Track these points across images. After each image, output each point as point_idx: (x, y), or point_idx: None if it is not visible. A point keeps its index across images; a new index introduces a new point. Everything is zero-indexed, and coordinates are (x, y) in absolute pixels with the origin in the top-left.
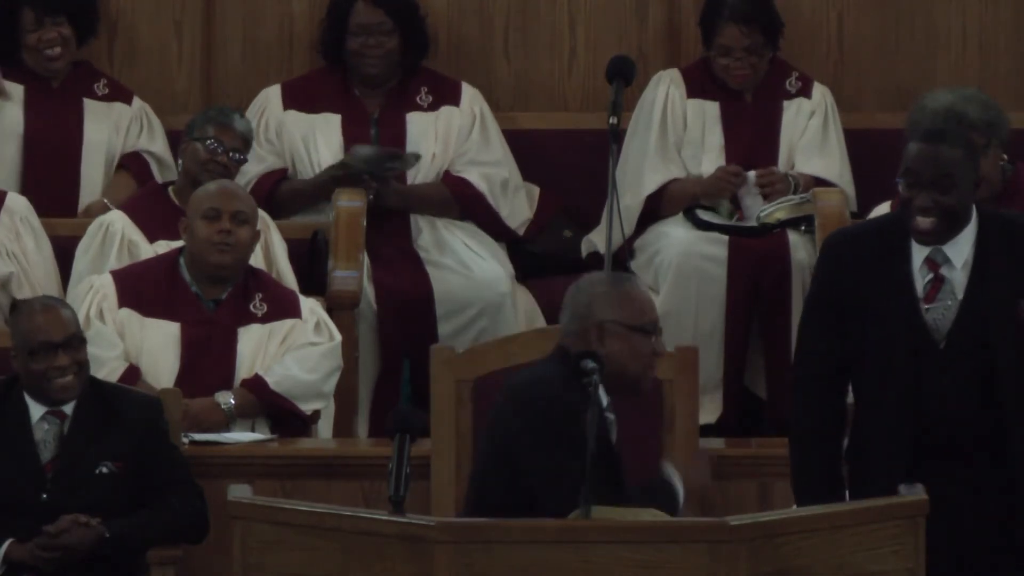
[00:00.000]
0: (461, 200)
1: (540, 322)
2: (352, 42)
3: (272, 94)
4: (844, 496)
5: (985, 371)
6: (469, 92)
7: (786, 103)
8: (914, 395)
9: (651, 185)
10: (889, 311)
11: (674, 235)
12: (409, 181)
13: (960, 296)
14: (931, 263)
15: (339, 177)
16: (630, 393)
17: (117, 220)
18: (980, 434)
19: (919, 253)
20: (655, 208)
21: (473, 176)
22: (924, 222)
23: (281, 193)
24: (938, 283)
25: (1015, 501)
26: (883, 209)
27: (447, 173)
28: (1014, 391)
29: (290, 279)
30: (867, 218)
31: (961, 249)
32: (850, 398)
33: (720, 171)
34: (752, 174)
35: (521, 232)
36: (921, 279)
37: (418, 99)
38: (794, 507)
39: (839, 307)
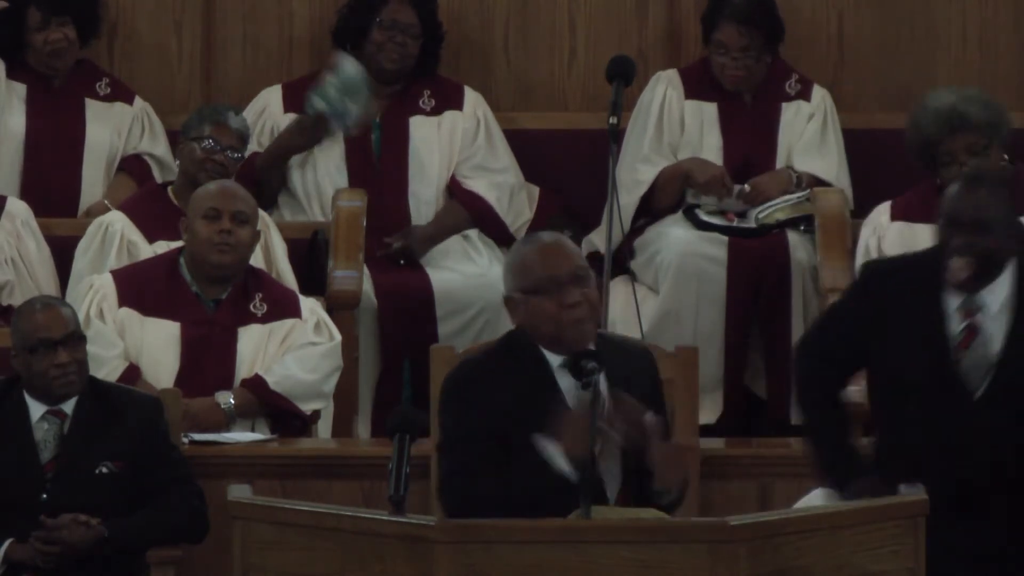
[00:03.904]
0: (472, 213)
1: None
2: (379, 35)
3: (272, 95)
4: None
5: (1020, 419)
6: (472, 96)
7: (785, 105)
8: (947, 441)
9: (645, 182)
10: (920, 355)
11: (674, 235)
12: (411, 185)
13: (997, 346)
14: (966, 311)
15: (303, 122)
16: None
17: (117, 220)
18: (1013, 479)
19: (955, 297)
20: (648, 199)
21: (482, 187)
22: (959, 263)
23: (258, 170)
24: (972, 332)
25: None
26: (884, 210)
27: (455, 183)
28: None
29: (290, 279)
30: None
31: (997, 295)
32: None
33: (722, 176)
34: (744, 189)
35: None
36: (957, 324)
37: (421, 103)
38: (795, 505)
39: (864, 328)
